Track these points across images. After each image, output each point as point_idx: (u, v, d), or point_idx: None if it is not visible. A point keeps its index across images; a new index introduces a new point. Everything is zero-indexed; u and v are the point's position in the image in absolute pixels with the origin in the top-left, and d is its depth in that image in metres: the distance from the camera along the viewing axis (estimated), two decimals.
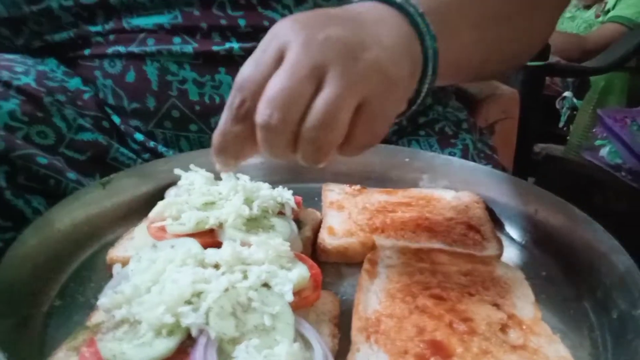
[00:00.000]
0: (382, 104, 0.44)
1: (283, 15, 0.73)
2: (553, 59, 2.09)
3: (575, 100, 2.63)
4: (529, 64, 1.65)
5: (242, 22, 0.72)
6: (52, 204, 0.58)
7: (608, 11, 2.70)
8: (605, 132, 1.73)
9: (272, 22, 0.71)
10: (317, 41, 0.42)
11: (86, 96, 0.76)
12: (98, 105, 0.77)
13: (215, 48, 0.72)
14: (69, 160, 0.69)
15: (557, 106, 2.62)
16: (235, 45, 0.72)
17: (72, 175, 0.68)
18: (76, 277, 0.55)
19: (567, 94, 2.65)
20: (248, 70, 0.43)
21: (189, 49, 0.72)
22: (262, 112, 0.41)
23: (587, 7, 2.84)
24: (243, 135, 0.44)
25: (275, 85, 0.41)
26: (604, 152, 1.67)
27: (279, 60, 0.42)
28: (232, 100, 0.43)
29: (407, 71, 0.46)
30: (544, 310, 0.51)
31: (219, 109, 0.74)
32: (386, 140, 0.81)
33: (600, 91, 2.45)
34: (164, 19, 0.72)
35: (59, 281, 0.53)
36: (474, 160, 0.82)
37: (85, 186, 0.66)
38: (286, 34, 0.43)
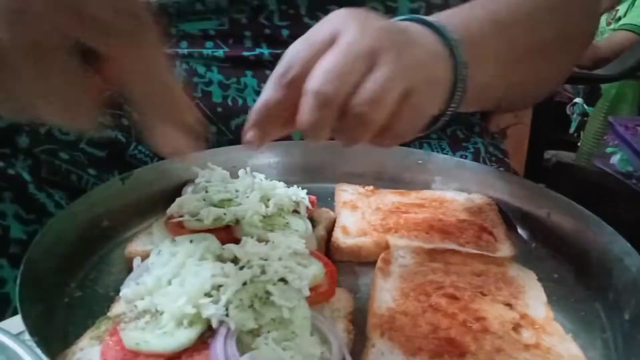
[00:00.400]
0: (425, 97, 0.47)
1: None
2: None
3: (585, 106, 2.63)
4: None
5: (285, 32, 0.74)
6: (73, 199, 0.59)
7: (619, 18, 2.70)
8: (616, 139, 1.73)
9: None
10: (372, 28, 0.45)
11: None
12: (116, 103, 0.78)
13: (245, 53, 0.74)
14: (89, 157, 0.71)
15: (568, 112, 2.62)
16: (265, 51, 0.74)
17: (92, 171, 0.70)
18: (95, 270, 0.56)
19: (577, 100, 2.65)
20: (298, 46, 0.46)
21: (220, 52, 0.74)
22: (316, 81, 0.43)
23: None
24: (285, 103, 0.45)
25: (331, 59, 0.43)
26: (614, 159, 1.67)
27: (330, 42, 0.45)
28: (279, 70, 0.45)
29: (443, 81, 0.50)
30: (556, 311, 0.51)
31: (240, 111, 0.76)
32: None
33: (611, 99, 2.45)
34: (210, 25, 0.74)
35: (79, 273, 0.55)
36: (485, 164, 0.83)
37: (104, 182, 0.67)
38: (341, 21, 0.46)
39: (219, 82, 0.75)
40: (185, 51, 0.74)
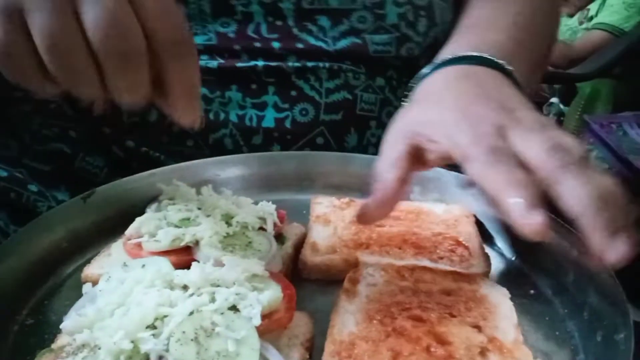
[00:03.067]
0: None
1: (318, 38, 0.70)
2: None
3: (562, 106, 2.57)
4: None
5: (276, 45, 0.69)
6: (17, 218, 0.53)
7: (591, 18, 2.64)
8: (592, 137, 1.67)
9: (307, 44, 0.69)
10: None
11: (52, 105, 0.71)
12: (63, 114, 0.72)
13: (239, 65, 0.69)
14: (31, 172, 0.64)
15: (544, 112, 2.56)
16: (260, 63, 0.69)
17: (34, 187, 0.63)
18: (51, 295, 0.50)
19: (554, 100, 2.60)
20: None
21: (213, 64, 0.68)
22: None
23: (571, 15, 2.78)
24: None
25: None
26: (591, 157, 1.62)
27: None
28: None
29: None
30: (529, 330, 0.46)
31: (221, 126, 0.70)
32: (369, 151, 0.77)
33: (586, 97, 2.39)
34: (198, 40, 0.68)
35: (32, 299, 0.49)
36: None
37: (47, 198, 0.61)
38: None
39: (203, 96, 0.69)
40: None
